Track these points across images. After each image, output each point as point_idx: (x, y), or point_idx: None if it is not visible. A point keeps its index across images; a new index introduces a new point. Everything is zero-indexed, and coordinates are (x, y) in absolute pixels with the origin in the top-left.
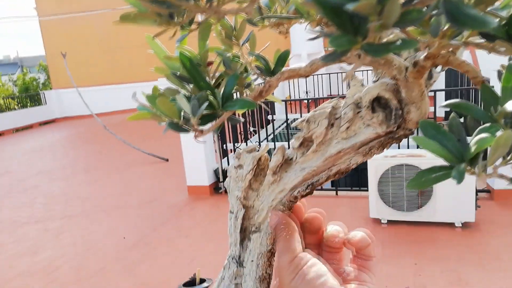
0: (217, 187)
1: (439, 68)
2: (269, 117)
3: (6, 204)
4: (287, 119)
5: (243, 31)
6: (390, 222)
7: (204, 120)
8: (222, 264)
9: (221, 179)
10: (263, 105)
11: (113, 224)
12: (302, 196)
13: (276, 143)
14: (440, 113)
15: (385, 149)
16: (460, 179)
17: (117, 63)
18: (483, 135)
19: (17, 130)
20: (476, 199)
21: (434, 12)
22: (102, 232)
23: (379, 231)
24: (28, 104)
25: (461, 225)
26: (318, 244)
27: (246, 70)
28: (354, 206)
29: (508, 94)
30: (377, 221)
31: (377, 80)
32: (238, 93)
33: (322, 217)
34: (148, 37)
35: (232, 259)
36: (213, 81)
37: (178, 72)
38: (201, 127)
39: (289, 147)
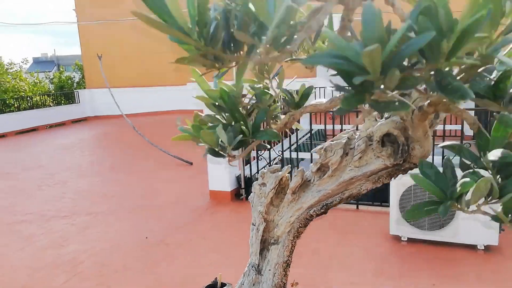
0: (238, 194)
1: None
2: (293, 126)
3: (36, 197)
4: (311, 130)
5: (274, 66)
6: (410, 240)
7: (236, 146)
8: (240, 269)
9: (243, 186)
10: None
11: (136, 223)
12: (317, 215)
13: (299, 153)
14: (468, 131)
15: (392, 178)
16: (444, 213)
17: (148, 67)
18: (466, 179)
19: (51, 126)
20: (501, 223)
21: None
22: (125, 230)
23: (398, 248)
24: (63, 102)
25: (483, 248)
26: None
27: (275, 101)
28: (374, 222)
29: (497, 143)
30: (397, 238)
31: (389, 117)
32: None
33: None
34: (194, 72)
35: (252, 267)
36: (246, 111)
37: (217, 102)
38: (233, 153)
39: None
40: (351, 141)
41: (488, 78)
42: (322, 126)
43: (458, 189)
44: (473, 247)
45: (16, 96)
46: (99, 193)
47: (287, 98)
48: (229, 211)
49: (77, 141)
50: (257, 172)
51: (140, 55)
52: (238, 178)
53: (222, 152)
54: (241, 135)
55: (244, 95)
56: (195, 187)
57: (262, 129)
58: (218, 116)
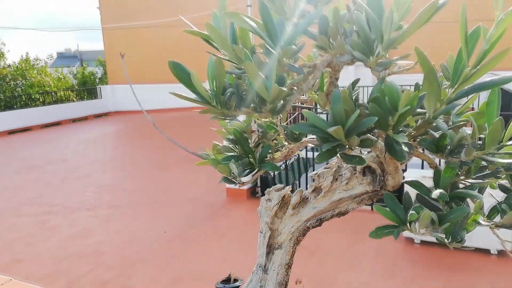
0: (254, 192)
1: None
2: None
3: (61, 190)
4: None
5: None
6: (423, 242)
7: (245, 174)
8: (252, 266)
9: (259, 184)
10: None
11: (155, 218)
12: (313, 227)
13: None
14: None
15: (373, 200)
16: (396, 236)
17: (166, 64)
18: (413, 212)
19: (74, 120)
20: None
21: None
22: (144, 224)
23: (411, 250)
24: (85, 97)
25: (497, 253)
26: None
27: (279, 134)
28: (388, 223)
29: (445, 181)
30: (410, 240)
31: (370, 152)
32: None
33: None
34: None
35: (260, 267)
36: (254, 143)
37: (231, 136)
38: (243, 180)
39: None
40: (340, 169)
41: (434, 133)
42: None
43: (409, 218)
44: (486, 252)
45: (41, 91)
46: (120, 188)
47: (287, 133)
48: (245, 209)
49: (100, 135)
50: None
51: (160, 53)
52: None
53: (234, 180)
54: (249, 168)
55: (253, 131)
56: (213, 184)
57: (267, 160)
58: (231, 146)
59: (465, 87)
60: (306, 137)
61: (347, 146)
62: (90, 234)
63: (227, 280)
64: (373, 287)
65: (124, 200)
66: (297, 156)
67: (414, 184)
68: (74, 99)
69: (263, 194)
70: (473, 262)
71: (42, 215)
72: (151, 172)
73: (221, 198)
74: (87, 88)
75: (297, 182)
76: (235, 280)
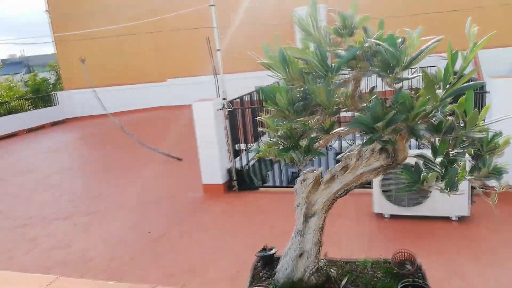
0: (230, 185)
1: None
2: None
3: (34, 201)
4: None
5: None
6: (392, 216)
7: (305, 158)
8: (241, 255)
9: (234, 178)
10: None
11: (136, 219)
12: (340, 197)
13: None
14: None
15: (386, 172)
16: (416, 190)
17: (127, 66)
18: (424, 173)
19: (30, 130)
20: (471, 195)
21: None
22: (126, 227)
23: (381, 224)
24: (40, 105)
25: (457, 219)
26: None
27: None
28: (360, 202)
29: (440, 151)
30: (380, 215)
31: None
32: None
33: None
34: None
35: (298, 233)
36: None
37: (280, 133)
38: (302, 164)
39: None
40: (361, 151)
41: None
42: None
43: (421, 178)
44: (448, 219)
45: None
46: (95, 193)
47: (320, 126)
48: (224, 203)
49: (63, 143)
50: (247, 164)
51: (118, 54)
52: (229, 171)
53: (292, 164)
54: (304, 155)
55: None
56: (188, 181)
57: (313, 149)
58: (280, 141)
59: (451, 90)
60: (333, 130)
61: (383, 134)
62: (72, 242)
63: (263, 250)
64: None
65: (101, 205)
66: None
67: (422, 156)
68: (29, 107)
69: (239, 188)
70: (437, 229)
71: (18, 228)
72: (123, 175)
73: (199, 194)
74: (41, 96)
75: (269, 172)
76: (270, 249)
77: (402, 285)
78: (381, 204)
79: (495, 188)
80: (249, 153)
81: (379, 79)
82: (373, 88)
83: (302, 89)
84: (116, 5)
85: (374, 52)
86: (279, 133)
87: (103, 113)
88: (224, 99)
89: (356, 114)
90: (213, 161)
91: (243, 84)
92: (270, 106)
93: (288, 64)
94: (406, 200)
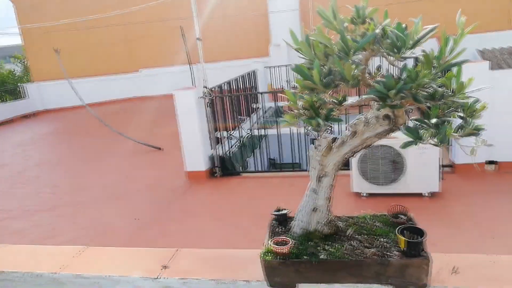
0: (213, 172)
1: None
2: (253, 105)
3: (13, 195)
4: (276, 107)
5: None
6: (369, 194)
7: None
8: (230, 235)
9: (216, 164)
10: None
11: (122, 208)
12: (349, 157)
13: (267, 130)
14: None
15: (388, 135)
16: (415, 143)
17: (98, 56)
18: (422, 131)
19: None
20: (441, 172)
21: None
22: (114, 215)
23: (360, 202)
24: (7, 98)
25: (428, 195)
26: None
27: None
28: (339, 183)
29: (433, 115)
30: (358, 194)
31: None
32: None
33: None
34: (288, 93)
35: (312, 190)
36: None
37: (303, 105)
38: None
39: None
40: (368, 119)
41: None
42: (285, 103)
43: (421, 135)
44: (420, 195)
45: None
46: (77, 185)
47: (335, 100)
48: (209, 189)
49: (36, 136)
50: (229, 150)
51: (88, 45)
52: (211, 158)
53: (318, 129)
54: (325, 122)
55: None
56: (170, 170)
57: (331, 117)
58: (301, 112)
59: (444, 66)
60: (346, 102)
61: (393, 101)
62: (60, 232)
63: (278, 210)
64: None
65: (85, 196)
66: (250, 135)
67: (419, 119)
68: None
69: (221, 175)
70: (411, 204)
71: (1, 221)
72: (104, 166)
73: (182, 181)
74: (8, 89)
75: (248, 159)
76: (284, 209)
77: (399, 228)
78: (359, 183)
79: (474, 144)
80: (230, 140)
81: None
82: (379, 66)
83: (326, 67)
84: None
85: (381, 37)
86: (300, 106)
87: (76, 105)
88: (205, 87)
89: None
90: (196, 148)
91: (218, 73)
92: (302, 81)
93: (313, 48)
94: (382, 179)
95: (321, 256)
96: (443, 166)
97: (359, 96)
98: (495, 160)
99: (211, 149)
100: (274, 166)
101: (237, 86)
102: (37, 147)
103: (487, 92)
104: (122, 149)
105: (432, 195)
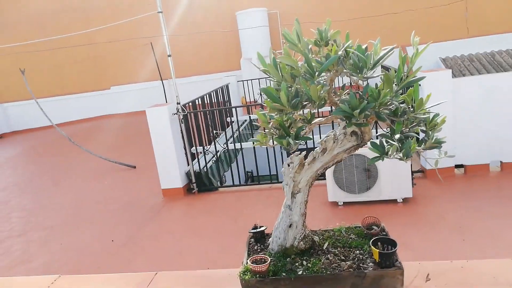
0: (190, 188)
1: None
2: (228, 119)
3: None
4: (251, 120)
5: None
6: (345, 203)
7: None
8: (207, 250)
9: (193, 180)
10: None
11: (97, 229)
12: (321, 173)
13: (242, 143)
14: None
15: (356, 151)
16: (382, 159)
17: (64, 76)
18: (388, 146)
19: None
20: (413, 178)
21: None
22: (88, 238)
23: (336, 211)
24: None
25: (402, 201)
26: None
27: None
28: (316, 193)
29: (396, 131)
30: (335, 203)
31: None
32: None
33: None
34: (259, 114)
35: (287, 206)
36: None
37: (272, 124)
38: (294, 147)
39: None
40: (337, 136)
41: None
42: (256, 116)
43: (386, 150)
44: (394, 201)
45: None
46: (48, 208)
47: (303, 118)
48: (185, 205)
49: (3, 159)
50: (205, 166)
51: (54, 65)
52: (188, 174)
53: (287, 148)
54: (295, 140)
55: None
56: (145, 188)
57: (301, 135)
58: (272, 131)
59: (403, 84)
60: (315, 120)
61: (358, 119)
62: (32, 257)
63: (255, 228)
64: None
65: (57, 219)
66: (226, 149)
67: (384, 135)
68: None
69: (199, 191)
70: (386, 210)
71: None
72: (77, 187)
73: (159, 199)
74: None
75: (225, 173)
76: (261, 227)
77: (372, 240)
78: (335, 193)
79: (437, 156)
80: (205, 155)
81: (344, 79)
82: (344, 85)
83: (292, 88)
84: (40, 15)
85: (344, 58)
86: (270, 125)
87: (44, 125)
88: (178, 103)
89: (325, 110)
90: (171, 165)
91: (190, 88)
92: (271, 102)
93: (280, 70)
94: (357, 188)
95: (299, 272)
96: (415, 172)
97: (331, 109)
98: (462, 163)
99: (187, 165)
100: (252, 178)
101: (211, 100)
102: (3, 170)
103: (450, 99)
104: (95, 169)
105: (405, 200)
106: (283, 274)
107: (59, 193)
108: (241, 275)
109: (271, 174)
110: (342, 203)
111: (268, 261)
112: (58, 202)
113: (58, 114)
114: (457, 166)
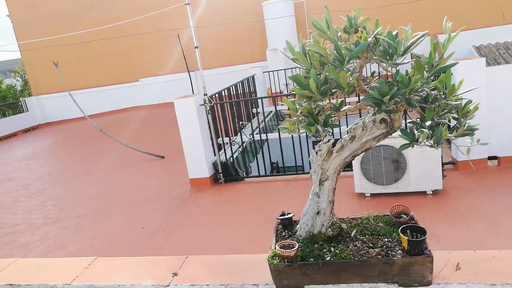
0: (216, 178)
1: None
2: (254, 110)
3: (18, 208)
4: (276, 111)
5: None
6: (372, 195)
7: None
8: (232, 240)
9: (220, 171)
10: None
11: (127, 218)
12: (350, 161)
13: (268, 134)
14: None
15: (385, 139)
16: (411, 146)
17: (96, 68)
18: (418, 133)
19: (1, 139)
20: (443, 170)
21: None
22: (119, 225)
23: (363, 203)
24: (8, 113)
25: (431, 193)
26: None
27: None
28: (342, 184)
29: (427, 118)
30: (362, 195)
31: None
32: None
33: None
34: (287, 101)
35: (314, 194)
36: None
37: (302, 112)
38: (323, 133)
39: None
40: (365, 123)
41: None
42: (285, 106)
43: (416, 137)
44: (423, 193)
45: None
46: (81, 196)
47: (332, 105)
48: (212, 195)
49: (38, 149)
50: (231, 156)
51: (86, 58)
52: (214, 164)
53: (316, 135)
54: (323, 127)
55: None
56: (173, 178)
57: (329, 122)
58: (301, 119)
59: (434, 70)
60: (344, 107)
61: (388, 106)
62: (66, 244)
63: (283, 215)
64: None
65: (89, 207)
66: (252, 140)
67: (415, 122)
68: None
69: (225, 181)
70: (415, 203)
71: (6, 235)
72: (107, 176)
73: (186, 189)
74: (9, 103)
75: (251, 164)
76: (288, 213)
77: (401, 228)
78: (362, 184)
79: (469, 143)
80: (232, 146)
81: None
82: (373, 72)
83: (321, 76)
84: (71, 9)
85: (373, 45)
86: (299, 113)
87: (76, 117)
88: (205, 94)
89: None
90: (198, 155)
91: (216, 79)
92: (300, 90)
93: (309, 57)
94: (384, 179)
95: (327, 258)
96: (445, 163)
97: (359, 98)
98: (496, 155)
99: (214, 155)
100: (278, 169)
101: (237, 91)
102: (39, 160)
103: (484, 89)
104: (125, 159)
105: (435, 192)
106: (311, 259)
107: (91, 182)
108: (270, 259)
109: (297, 165)
110: (369, 195)
111: (296, 247)
112: (89, 191)
113: (90, 106)
114: (490, 158)
